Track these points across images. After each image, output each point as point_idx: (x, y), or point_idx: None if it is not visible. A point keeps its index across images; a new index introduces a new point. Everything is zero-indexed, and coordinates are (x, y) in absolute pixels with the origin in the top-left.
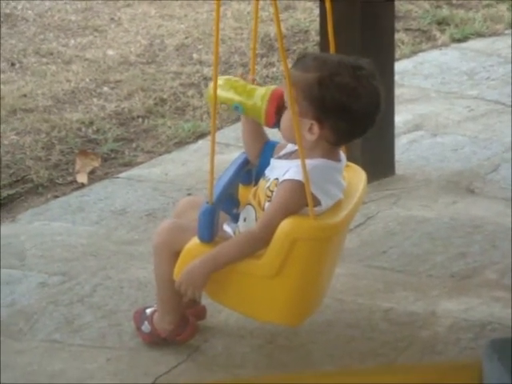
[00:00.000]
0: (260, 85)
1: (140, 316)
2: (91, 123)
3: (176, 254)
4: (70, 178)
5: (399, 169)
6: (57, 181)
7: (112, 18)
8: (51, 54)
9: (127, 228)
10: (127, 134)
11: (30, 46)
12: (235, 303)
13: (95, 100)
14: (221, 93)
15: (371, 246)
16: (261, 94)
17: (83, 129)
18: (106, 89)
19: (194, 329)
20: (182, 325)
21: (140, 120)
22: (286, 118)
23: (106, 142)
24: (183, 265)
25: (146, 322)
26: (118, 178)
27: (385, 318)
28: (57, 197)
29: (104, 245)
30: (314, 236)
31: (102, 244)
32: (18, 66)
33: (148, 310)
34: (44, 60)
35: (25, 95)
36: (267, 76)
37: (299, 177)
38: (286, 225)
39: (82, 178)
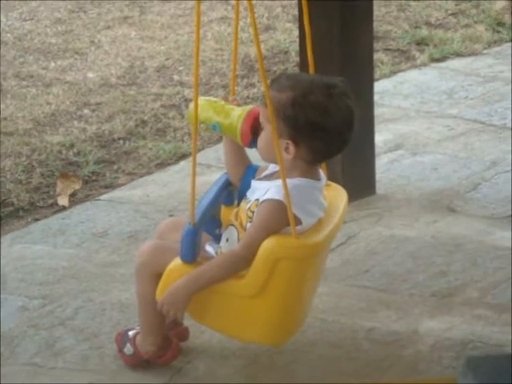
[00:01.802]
0: (241, 105)
1: (122, 338)
2: (72, 146)
3: (158, 275)
4: (50, 201)
5: (380, 188)
6: (38, 204)
7: (92, 41)
8: (31, 76)
9: (109, 250)
10: (108, 156)
11: (9, 70)
12: (218, 324)
13: (76, 122)
14: (200, 113)
15: (353, 265)
16: (237, 114)
17: (64, 151)
18: (86, 111)
19: (176, 350)
20: (164, 346)
21: (121, 142)
22: (263, 137)
23: (86, 165)
24: (165, 286)
25: (128, 344)
26: (99, 200)
27: (368, 338)
28: (38, 220)
29: (85, 267)
30: (296, 255)
31: (83, 266)
32: None
33: (130, 332)
34: (24, 83)
35: (5, 118)
36: (248, 97)
37: (279, 196)
38: (267, 244)
39: (62, 200)
